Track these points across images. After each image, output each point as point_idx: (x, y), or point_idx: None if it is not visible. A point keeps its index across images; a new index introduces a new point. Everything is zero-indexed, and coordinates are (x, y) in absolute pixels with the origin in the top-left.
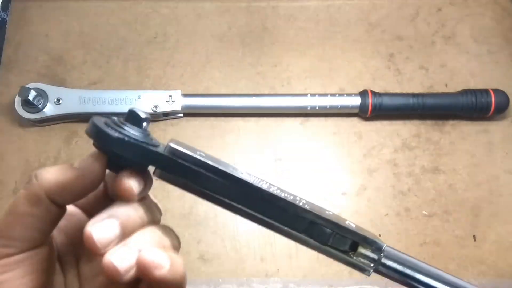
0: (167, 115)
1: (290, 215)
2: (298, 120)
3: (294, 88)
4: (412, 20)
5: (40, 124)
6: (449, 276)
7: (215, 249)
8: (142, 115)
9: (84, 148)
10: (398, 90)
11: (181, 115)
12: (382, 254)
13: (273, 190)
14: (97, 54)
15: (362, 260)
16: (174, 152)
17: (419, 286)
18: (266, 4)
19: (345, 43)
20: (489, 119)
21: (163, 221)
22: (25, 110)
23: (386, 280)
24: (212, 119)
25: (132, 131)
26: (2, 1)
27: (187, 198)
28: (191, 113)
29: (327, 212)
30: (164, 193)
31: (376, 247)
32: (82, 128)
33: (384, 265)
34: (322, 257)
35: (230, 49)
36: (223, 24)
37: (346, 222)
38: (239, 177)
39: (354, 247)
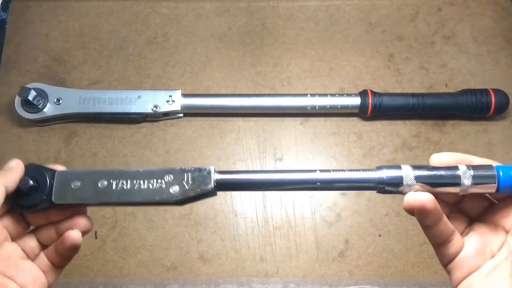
0: (167, 115)
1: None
2: (298, 120)
3: (294, 88)
4: (412, 20)
5: (40, 124)
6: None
7: (215, 249)
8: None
9: (84, 148)
10: (398, 90)
11: (181, 115)
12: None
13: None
14: (97, 54)
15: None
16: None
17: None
18: (266, 4)
19: (345, 43)
20: (489, 119)
21: (163, 220)
22: (25, 110)
23: (386, 280)
24: (212, 119)
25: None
26: (2, 1)
27: None
28: (191, 113)
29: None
30: None
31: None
32: (82, 128)
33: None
34: (322, 257)
35: (230, 49)
36: (223, 24)
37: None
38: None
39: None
